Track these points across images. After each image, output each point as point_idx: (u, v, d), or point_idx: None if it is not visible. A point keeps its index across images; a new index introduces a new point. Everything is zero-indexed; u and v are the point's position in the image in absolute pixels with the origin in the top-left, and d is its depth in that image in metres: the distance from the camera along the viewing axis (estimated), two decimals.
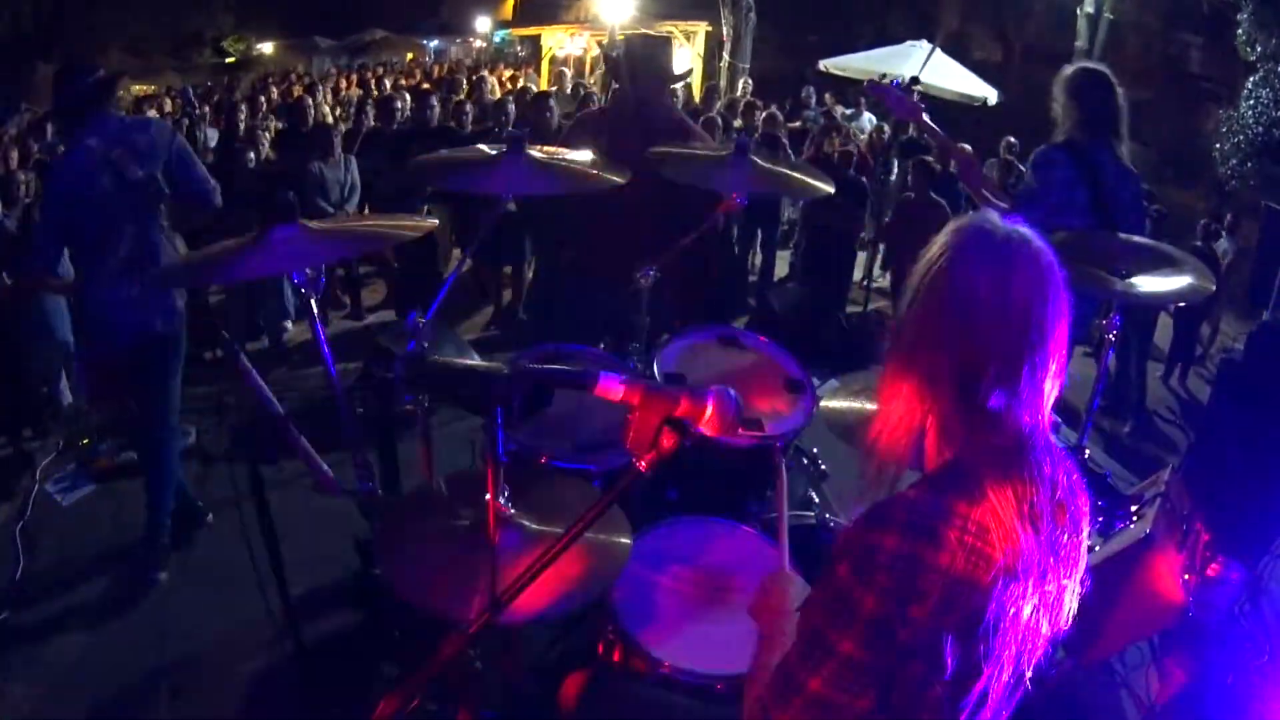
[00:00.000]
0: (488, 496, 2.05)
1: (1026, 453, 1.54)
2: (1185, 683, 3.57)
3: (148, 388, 4.61)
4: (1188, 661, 3.60)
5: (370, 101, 13.22)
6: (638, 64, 4.66)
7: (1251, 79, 14.75)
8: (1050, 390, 1.56)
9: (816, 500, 3.64)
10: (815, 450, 3.91)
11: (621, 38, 4.92)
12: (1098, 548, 3.45)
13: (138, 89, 22.15)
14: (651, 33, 4.99)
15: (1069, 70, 4.57)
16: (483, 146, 3.49)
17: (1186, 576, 3.35)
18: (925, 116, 4.67)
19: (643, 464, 1.67)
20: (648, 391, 1.69)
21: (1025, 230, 1.56)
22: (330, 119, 12.48)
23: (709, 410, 1.67)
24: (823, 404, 3.31)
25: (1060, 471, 1.59)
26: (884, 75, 6.37)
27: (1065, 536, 1.56)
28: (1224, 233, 10.71)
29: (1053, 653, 3.33)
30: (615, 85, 5.03)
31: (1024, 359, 1.50)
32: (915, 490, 1.53)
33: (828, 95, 16.71)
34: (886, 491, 1.62)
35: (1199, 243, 9.21)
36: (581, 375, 1.73)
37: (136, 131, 4.46)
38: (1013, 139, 11.95)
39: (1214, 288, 3.48)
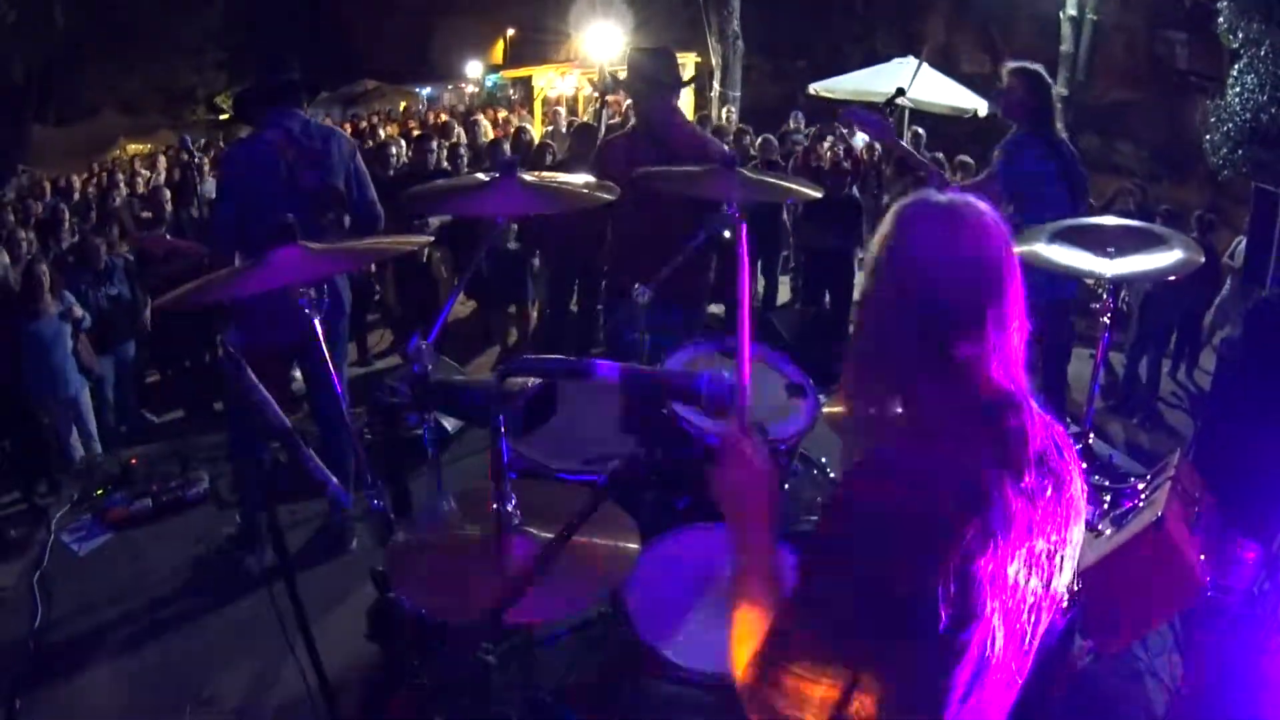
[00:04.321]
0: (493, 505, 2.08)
1: (1005, 409, 1.55)
2: (1210, 665, 3.55)
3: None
4: (1210, 644, 3.58)
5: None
6: (640, 79, 4.78)
7: (1236, 66, 14.69)
8: (1018, 345, 1.59)
9: None
10: (824, 460, 3.93)
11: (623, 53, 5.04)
12: (1109, 533, 3.46)
13: (134, 148, 22.19)
14: (646, 46, 5.04)
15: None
16: (479, 175, 3.56)
17: (1202, 557, 3.34)
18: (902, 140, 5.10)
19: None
20: (641, 375, 1.71)
21: (967, 196, 1.62)
22: None
23: (702, 391, 1.70)
24: (824, 410, 3.37)
25: (1043, 431, 1.59)
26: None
27: (1051, 493, 1.56)
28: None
29: (1069, 635, 3.35)
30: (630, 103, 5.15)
31: (986, 309, 1.53)
32: (900, 442, 1.55)
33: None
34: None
35: (1194, 234, 9.18)
36: (577, 364, 1.76)
37: (318, 138, 4.40)
38: None
39: (1203, 259, 3.52)
